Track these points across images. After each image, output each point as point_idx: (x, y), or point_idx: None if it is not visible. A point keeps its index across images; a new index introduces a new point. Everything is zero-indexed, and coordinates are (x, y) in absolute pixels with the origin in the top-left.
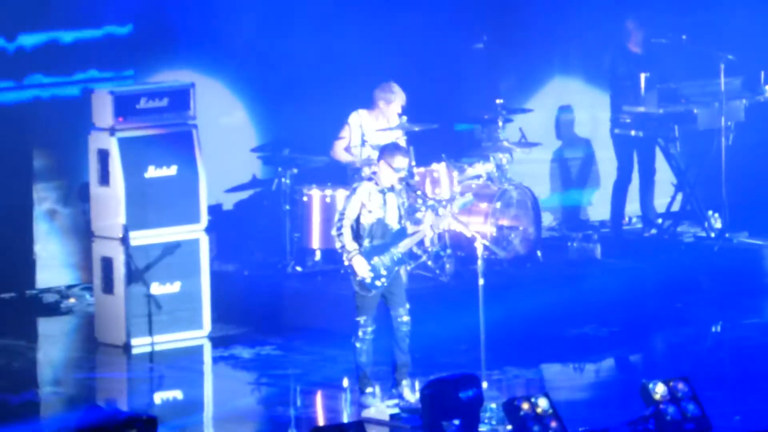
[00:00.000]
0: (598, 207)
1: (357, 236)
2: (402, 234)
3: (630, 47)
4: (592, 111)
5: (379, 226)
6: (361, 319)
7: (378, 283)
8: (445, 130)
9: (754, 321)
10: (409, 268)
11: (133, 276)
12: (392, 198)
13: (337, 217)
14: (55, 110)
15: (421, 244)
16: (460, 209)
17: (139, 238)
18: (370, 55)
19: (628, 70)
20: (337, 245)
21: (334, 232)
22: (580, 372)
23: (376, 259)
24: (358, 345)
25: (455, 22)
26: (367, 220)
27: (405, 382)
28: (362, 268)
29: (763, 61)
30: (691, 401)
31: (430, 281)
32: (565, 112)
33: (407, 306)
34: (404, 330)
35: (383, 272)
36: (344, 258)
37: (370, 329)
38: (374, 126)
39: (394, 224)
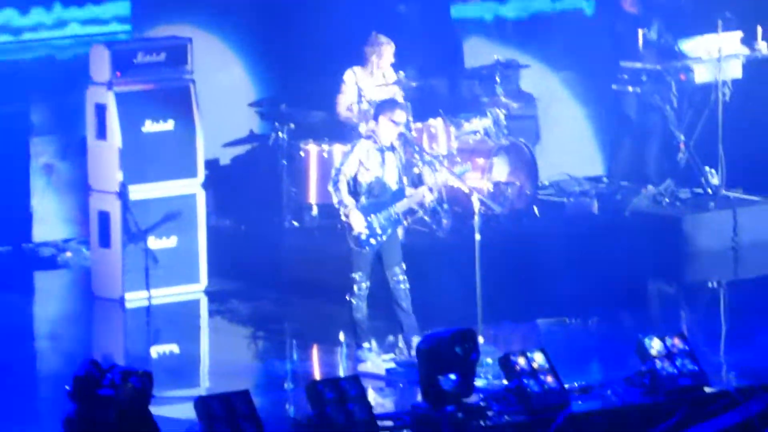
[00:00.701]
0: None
1: (354, 194)
2: (400, 194)
3: (624, 7)
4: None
5: (377, 185)
6: (356, 275)
7: (373, 240)
8: (443, 86)
9: (751, 276)
10: (406, 223)
11: (130, 230)
12: (391, 157)
13: (333, 172)
14: (53, 64)
15: None
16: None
17: (136, 192)
18: (368, 10)
19: (626, 27)
20: (334, 200)
21: (330, 187)
22: (577, 327)
23: (372, 217)
24: (354, 301)
25: None
26: (365, 179)
27: (416, 340)
28: (358, 223)
29: (761, 17)
30: (687, 357)
31: (426, 236)
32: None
33: (403, 266)
34: (402, 288)
35: (378, 231)
36: (341, 213)
37: (364, 285)
38: (370, 82)
39: (392, 184)
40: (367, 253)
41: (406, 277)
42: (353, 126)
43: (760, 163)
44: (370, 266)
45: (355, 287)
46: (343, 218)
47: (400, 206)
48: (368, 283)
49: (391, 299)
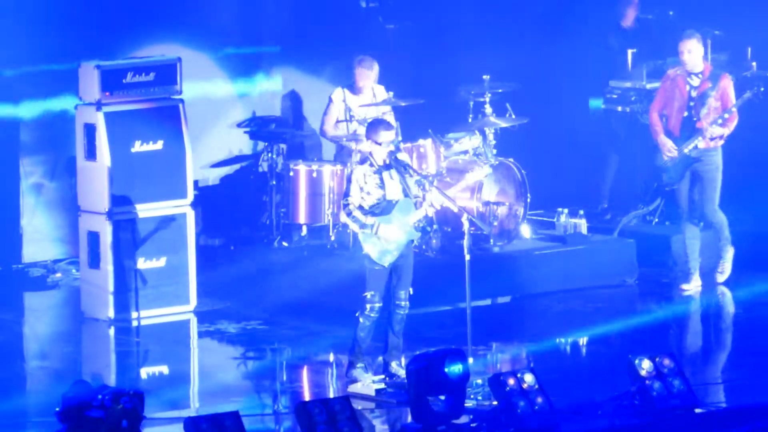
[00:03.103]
0: None
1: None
2: (407, 205)
3: (622, 24)
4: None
5: (380, 205)
6: (369, 294)
7: (388, 257)
8: (432, 106)
9: (741, 296)
10: (418, 235)
11: (120, 251)
12: (392, 174)
13: (342, 203)
14: (42, 84)
15: None
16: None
17: (126, 212)
18: (357, 30)
19: (620, 45)
20: (355, 228)
21: (346, 219)
22: (566, 347)
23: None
24: (361, 320)
25: None
26: (367, 203)
27: (395, 364)
28: (392, 233)
29: (750, 37)
30: (677, 377)
31: (416, 256)
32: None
33: (410, 290)
34: (401, 313)
35: (391, 246)
36: (367, 231)
37: (377, 306)
38: (358, 102)
39: (399, 199)
40: (383, 271)
41: (408, 303)
42: (341, 145)
43: (749, 181)
44: (384, 285)
45: (368, 306)
46: (375, 233)
47: (411, 218)
48: (381, 303)
49: (386, 318)
